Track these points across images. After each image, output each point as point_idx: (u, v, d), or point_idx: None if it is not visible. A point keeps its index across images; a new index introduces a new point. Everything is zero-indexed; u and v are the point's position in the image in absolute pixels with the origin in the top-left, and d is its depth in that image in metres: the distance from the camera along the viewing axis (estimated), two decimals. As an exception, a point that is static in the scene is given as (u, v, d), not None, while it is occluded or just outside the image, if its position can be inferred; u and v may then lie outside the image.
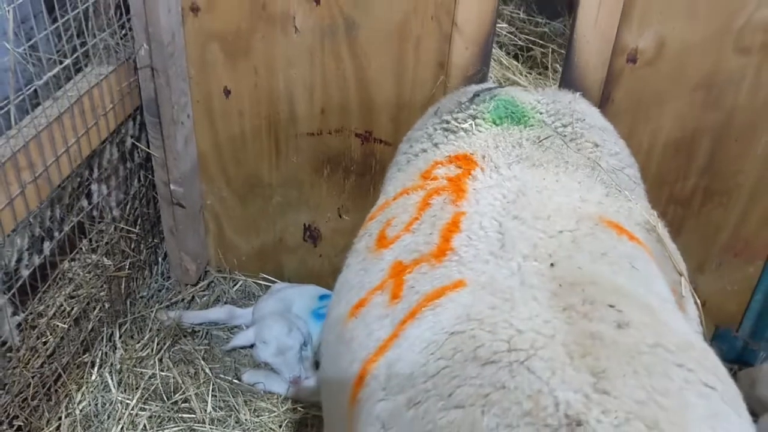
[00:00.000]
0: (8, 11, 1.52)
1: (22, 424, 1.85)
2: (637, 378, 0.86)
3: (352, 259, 1.36)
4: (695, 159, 2.03)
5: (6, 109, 1.59)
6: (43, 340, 1.91)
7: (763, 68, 1.87)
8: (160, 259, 2.48)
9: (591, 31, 1.85)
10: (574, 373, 0.86)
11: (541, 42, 3.07)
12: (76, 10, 1.78)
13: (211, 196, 2.39)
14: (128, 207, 2.21)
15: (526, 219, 1.17)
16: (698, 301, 1.28)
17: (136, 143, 2.16)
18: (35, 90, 1.66)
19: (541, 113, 1.53)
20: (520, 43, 3.04)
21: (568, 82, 1.91)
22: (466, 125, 1.51)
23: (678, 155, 2.02)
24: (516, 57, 3.06)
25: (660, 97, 1.95)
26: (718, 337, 2.33)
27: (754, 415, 1.95)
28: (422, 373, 0.94)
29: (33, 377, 1.85)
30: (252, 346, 2.29)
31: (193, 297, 2.48)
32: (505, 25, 3.03)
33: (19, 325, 1.81)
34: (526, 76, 2.81)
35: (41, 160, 1.69)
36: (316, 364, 2.28)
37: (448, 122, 1.55)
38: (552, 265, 1.05)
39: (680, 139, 2.00)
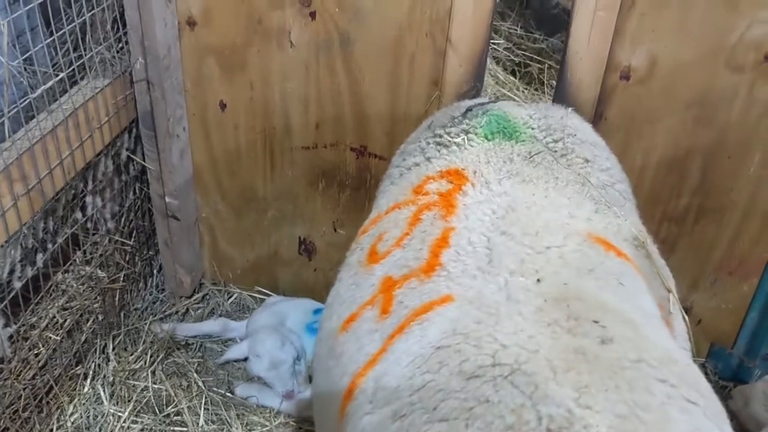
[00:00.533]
0: (3, 25, 1.53)
1: (12, 436, 1.84)
2: (619, 393, 0.86)
3: (344, 273, 1.36)
4: (688, 177, 2.03)
5: (0, 121, 1.60)
6: (35, 352, 1.90)
7: (755, 86, 1.88)
8: (155, 271, 2.48)
9: (584, 49, 1.87)
10: (557, 387, 0.86)
11: (538, 58, 3.09)
12: (73, 24, 1.80)
13: (206, 208, 2.40)
14: (123, 219, 2.21)
15: (514, 235, 1.18)
16: (686, 317, 1.28)
17: (132, 156, 2.17)
18: (30, 103, 1.67)
19: (532, 128, 1.53)
20: (516, 59, 3.06)
21: (562, 98, 1.92)
22: (458, 140, 1.52)
23: (671, 173, 2.03)
24: (513, 73, 3.08)
25: (653, 114, 1.96)
26: (713, 354, 2.33)
27: (748, 432, 1.95)
28: (408, 387, 0.94)
29: (24, 389, 1.85)
30: (245, 359, 2.28)
31: (187, 309, 2.48)
32: (502, 41, 3.05)
33: (11, 337, 1.81)
34: (522, 91, 2.83)
35: (34, 172, 1.70)
36: (310, 378, 2.28)
37: (441, 136, 1.56)
38: (538, 280, 1.06)
39: (673, 157, 2.01)
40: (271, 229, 2.42)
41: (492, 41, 2.80)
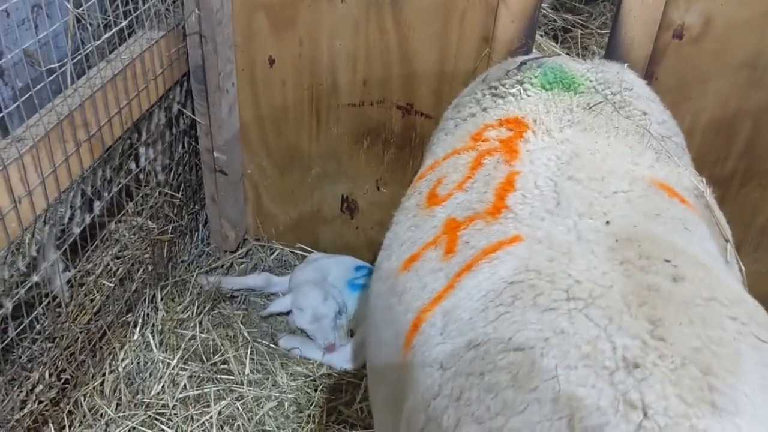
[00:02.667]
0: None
1: (69, 377, 1.91)
2: (692, 327, 0.88)
3: (402, 216, 1.39)
4: (736, 139, 2.03)
5: (63, 69, 1.63)
6: (90, 298, 1.96)
7: (810, 48, 1.87)
8: (200, 226, 2.53)
9: (638, 6, 1.85)
10: (632, 320, 0.88)
11: (581, 23, 3.07)
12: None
13: (251, 165, 2.43)
14: (172, 172, 2.25)
15: (581, 179, 1.20)
16: (743, 267, 1.30)
17: (182, 109, 2.20)
18: (86, 54, 1.70)
19: (590, 81, 1.54)
20: (559, 24, 3.04)
21: (614, 56, 1.91)
22: (514, 90, 1.53)
23: (719, 135, 2.02)
24: (555, 38, 3.07)
25: (704, 75, 1.95)
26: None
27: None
28: (482, 318, 0.97)
29: (80, 333, 1.90)
30: (288, 312, 2.34)
31: (231, 263, 2.53)
32: (546, 6, 3.03)
33: (69, 281, 1.87)
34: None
35: (95, 119, 1.73)
36: (351, 332, 2.32)
37: (496, 88, 1.57)
38: (608, 222, 1.08)
39: (721, 119, 2.00)
40: (314, 187, 2.45)
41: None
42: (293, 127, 2.32)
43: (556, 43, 3.00)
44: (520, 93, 1.52)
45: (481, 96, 1.60)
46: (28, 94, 1.54)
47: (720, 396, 0.81)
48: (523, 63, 1.65)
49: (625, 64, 1.69)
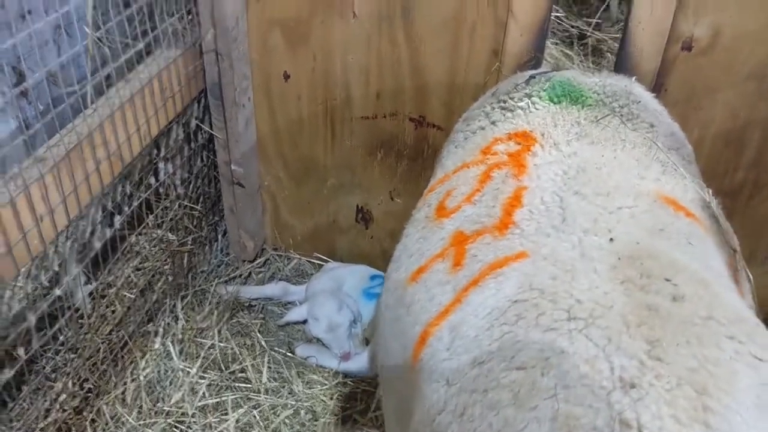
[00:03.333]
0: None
1: (91, 386, 1.96)
2: (689, 347, 0.91)
3: (411, 228, 1.42)
4: (745, 151, 2.04)
5: (84, 90, 1.69)
6: (112, 309, 2.02)
7: (819, 58, 1.88)
8: (220, 236, 2.58)
9: (647, 18, 1.87)
10: (630, 340, 0.91)
11: (595, 30, 3.09)
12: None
13: (268, 177, 2.48)
14: (192, 185, 2.31)
15: (586, 195, 1.22)
16: (751, 277, 1.31)
17: (200, 124, 2.25)
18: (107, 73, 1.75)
19: (598, 94, 1.56)
20: (574, 30, 3.06)
21: (623, 68, 1.94)
22: (522, 103, 1.56)
23: (728, 146, 2.04)
24: (571, 45, 3.08)
25: (713, 86, 1.96)
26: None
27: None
28: (487, 336, 1.00)
29: (102, 343, 1.96)
30: (305, 321, 2.38)
31: (250, 273, 2.58)
32: (561, 13, 3.05)
33: (91, 293, 1.93)
34: (579, 65, 2.83)
35: (114, 137, 1.79)
36: (366, 341, 2.36)
37: (505, 102, 1.60)
38: (611, 239, 1.10)
39: (731, 130, 2.01)
40: (329, 198, 2.49)
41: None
42: (308, 139, 2.36)
43: (571, 50, 3.02)
44: (529, 106, 1.55)
45: (491, 109, 1.63)
46: (50, 115, 1.60)
47: (714, 416, 0.84)
48: (532, 77, 1.68)
49: (633, 77, 1.72)
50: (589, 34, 3.04)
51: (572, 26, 3.02)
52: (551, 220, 1.18)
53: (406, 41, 2.09)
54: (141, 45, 1.82)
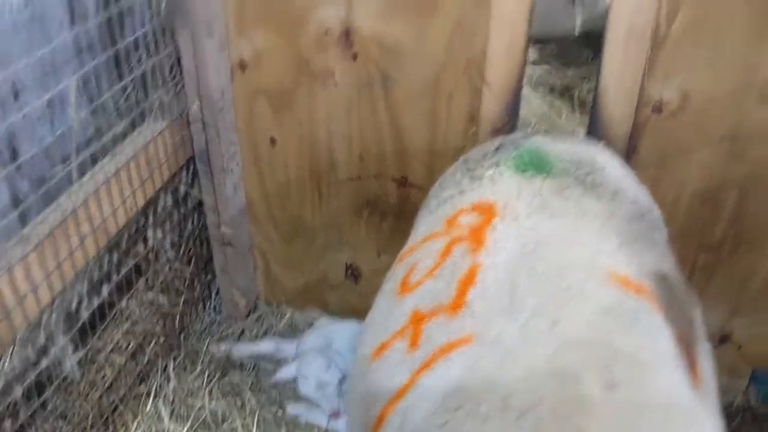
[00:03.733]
0: (73, 80, 1.70)
1: (82, 451, 2.02)
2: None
3: (380, 300, 1.47)
4: (723, 208, 2.06)
5: (69, 168, 1.76)
6: (102, 374, 2.07)
7: (788, 120, 1.90)
8: (212, 295, 2.64)
9: (616, 82, 1.91)
10: (559, 432, 0.94)
11: (583, 78, 3.14)
12: (137, 71, 1.96)
13: (259, 236, 2.55)
14: (182, 248, 2.38)
15: (538, 274, 1.25)
16: (709, 346, 1.33)
17: (189, 190, 2.33)
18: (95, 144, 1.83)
19: (564, 161, 1.58)
20: (560, 81, 3.12)
21: (595, 132, 1.98)
22: (489, 172, 1.59)
23: (705, 205, 2.06)
24: (561, 95, 3.13)
25: (685, 148, 1.99)
26: (754, 380, 2.34)
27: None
28: (430, 423, 1.05)
29: (92, 409, 2.02)
30: (295, 379, 2.42)
31: (243, 330, 2.63)
32: (546, 66, 3.11)
33: (79, 360, 1.99)
34: (565, 117, 2.88)
35: (99, 212, 1.86)
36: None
37: (474, 170, 1.64)
38: (556, 323, 1.13)
39: (707, 190, 2.03)
40: (319, 256, 2.54)
41: (536, 63, 2.87)
42: (296, 201, 2.43)
43: (561, 101, 3.08)
44: (495, 176, 1.58)
45: (460, 177, 1.67)
46: (43, 188, 1.67)
47: None
48: (502, 145, 1.72)
49: (601, 143, 1.75)
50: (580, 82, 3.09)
51: (560, 79, 3.07)
52: (501, 302, 1.21)
53: (386, 108, 2.16)
54: (123, 123, 1.90)
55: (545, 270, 1.25)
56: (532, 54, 2.12)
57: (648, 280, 1.33)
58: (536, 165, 1.57)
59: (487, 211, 1.47)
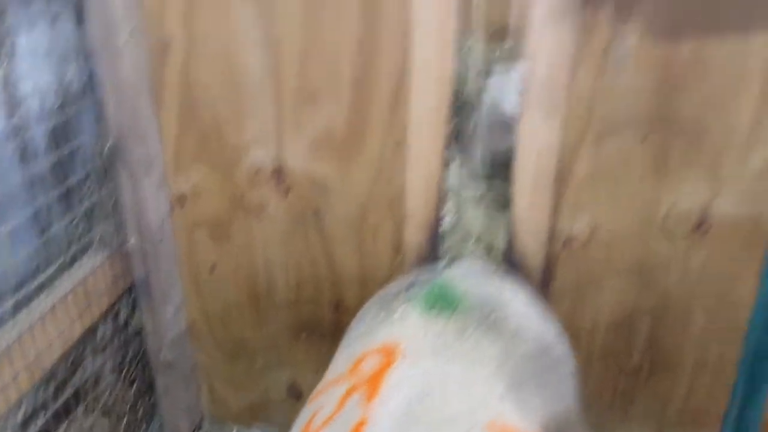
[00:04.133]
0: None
1: None
2: None
3: None
4: (637, 336, 2.15)
5: (2, 309, 1.85)
6: (35, 505, 2.09)
7: (689, 255, 2.01)
8: (156, 416, 2.68)
9: (526, 220, 2.04)
10: None
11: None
12: (81, 207, 2.08)
13: (201, 356, 2.61)
14: (123, 372, 2.43)
15: (421, 427, 1.31)
16: None
17: (129, 318, 2.41)
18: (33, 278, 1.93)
19: (471, 297, 1.65)
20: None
21: (510, 264, 2.09)
22: (401, 308, 1.66)
23: (620, 332, 2.15)
24: (502, 208, 3.25)
25: (598, 279, 2.10)
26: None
27: None
28: None
29: None
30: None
31: (185, 451, 2.66)
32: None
33: (12, 492, 2.02)
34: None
35: (34, 348, 1.93)
36: None
37: (388, 306, 1.71)
38: None
39: (621, 318, 2.13)
40: (261, 375, 2.61)
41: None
42: (237, 323, 2.51)
43: (502, 214, 3.19)
44: (405, 313, 1.64)
45: (375, 313, 1.73)
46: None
47: None
48: (416, 280, 1.80)
49: (511, 276, 1.85)
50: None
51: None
52: None
53: (318, 240, 2.27)
54: (64, 257, 2.00)
55: (429, 423, 1.31)
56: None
57: (536, 425, 1.40)
58: (444, 302, 1.64)
59: (390, 354, 1.53)
